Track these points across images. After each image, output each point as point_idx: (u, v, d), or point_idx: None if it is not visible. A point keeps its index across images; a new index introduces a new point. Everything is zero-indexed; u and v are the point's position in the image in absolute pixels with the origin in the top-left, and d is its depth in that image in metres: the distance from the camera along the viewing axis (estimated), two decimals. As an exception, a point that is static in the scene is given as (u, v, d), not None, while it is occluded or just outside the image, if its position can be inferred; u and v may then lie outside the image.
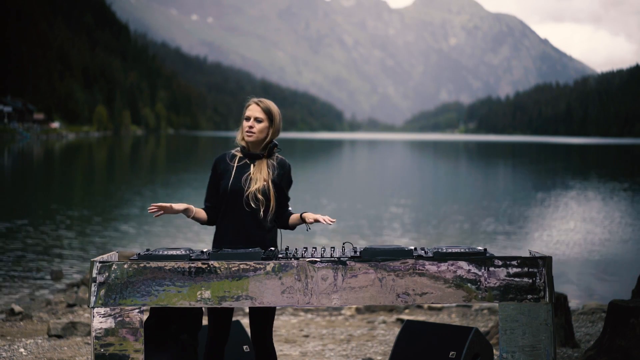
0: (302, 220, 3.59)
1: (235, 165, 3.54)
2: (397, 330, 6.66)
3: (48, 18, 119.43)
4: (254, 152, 3.56)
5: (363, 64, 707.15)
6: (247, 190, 3.49)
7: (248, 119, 3.55)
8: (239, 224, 3.51)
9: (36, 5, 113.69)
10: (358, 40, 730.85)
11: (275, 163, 3.59)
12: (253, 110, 3.55)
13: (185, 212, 3.49)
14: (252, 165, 3.54)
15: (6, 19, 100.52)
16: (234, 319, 6.59)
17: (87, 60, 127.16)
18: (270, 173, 3.55)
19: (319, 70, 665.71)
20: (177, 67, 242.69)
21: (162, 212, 3.40)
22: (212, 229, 3.65)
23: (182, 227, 14.86)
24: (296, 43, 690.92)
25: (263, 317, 3.51)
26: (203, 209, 3.58)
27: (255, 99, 3.60)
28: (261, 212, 3.52)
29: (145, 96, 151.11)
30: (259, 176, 3.51)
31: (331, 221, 3.45)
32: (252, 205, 3.49)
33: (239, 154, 3.58)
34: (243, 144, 3.58)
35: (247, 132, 3.53)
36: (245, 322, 7.16)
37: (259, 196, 3.50)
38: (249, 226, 3.51)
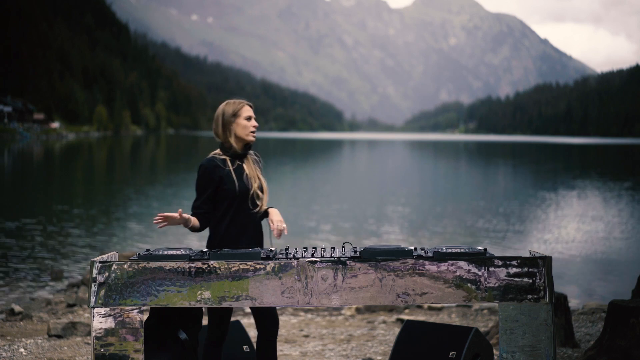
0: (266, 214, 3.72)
1: (232, 168, 3.61)
2: (397, 330, 6.66)
3: (48, 18, 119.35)
4: (242, 152, 3.66)
5: (363, 64, 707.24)
6: (251, 191, 3.61)
7: (249, 119, 3.65)
8: (244, 224, 3.60)
9: (36, 5, 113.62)
10: (358, 40, 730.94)
11: (255, 157, 3.75)
12: (251, 111, 3.68)
13: (186, 222, 3.53)
14: (244, 165, 3.65)
15: (6, 19, 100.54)
16: (233, 318, 6.60)
17: (87, 60, 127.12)
18: (258, 168, 3.73)
19: (319, 70, 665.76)
20: (177, 67, 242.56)
21: (166, 222, 3.44)
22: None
23: (181, 227, 14.85)
24: (296, 43, 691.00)
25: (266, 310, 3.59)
26: (192, 215, 3.60)
27: (247, 101, 3.70)
28: (260, 209, 3.65)
29: (145, 96, 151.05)
30: (254, 174, 3.66)
31: (278, 232, 3.56)
32: (257, 203, 3.63)
33: (226, 157, 3.63)
34: (234, 143, 3.63)
35: (252, 132, 3.65)
36: (245, 322, 7.16)
37: (259, 193, 3.64)
38: (252, 225, 3.64)
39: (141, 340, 3.09)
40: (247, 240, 3.59)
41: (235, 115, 3.63)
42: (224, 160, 3.62)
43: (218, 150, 3.67)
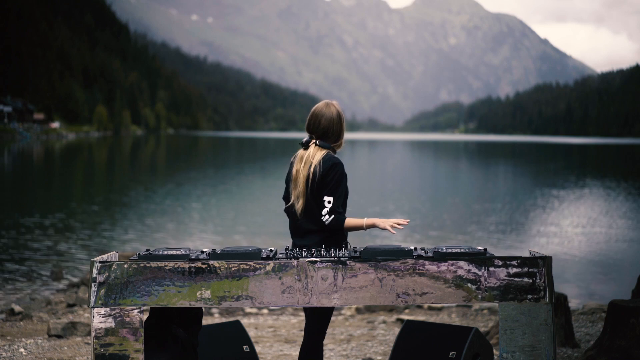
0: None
1: None
2: (397, 330, 6.66)
3: (48, 18, 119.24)
4: None
5: (363, 64, 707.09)
6: None
7: None
8: None
9: (36, 5, 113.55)
10: (358, 40, 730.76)
11: None
12: None
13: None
14: None
15: (6, 19, 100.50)
16: (233, 319, 6.59)
17: (87, 60, 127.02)
18: None
19: (319, 70, 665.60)
20: (177, 67, 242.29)
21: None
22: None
23: (181, 227, 14.86)
24: (296, 43, 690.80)
25: (318, 313, 3.50)
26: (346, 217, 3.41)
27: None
28: None
29: (145, 96, 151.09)
30: None
31: None
32: None
33: None
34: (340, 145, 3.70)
35: None
36: (245, 322, 7.16)
37: None
38: None
39: (141, 340, 3.09)
40: None
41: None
42: None
43: (330, 151, 3.51)
